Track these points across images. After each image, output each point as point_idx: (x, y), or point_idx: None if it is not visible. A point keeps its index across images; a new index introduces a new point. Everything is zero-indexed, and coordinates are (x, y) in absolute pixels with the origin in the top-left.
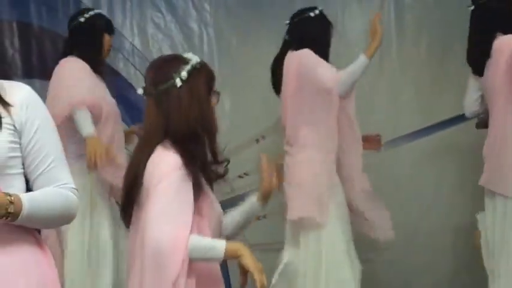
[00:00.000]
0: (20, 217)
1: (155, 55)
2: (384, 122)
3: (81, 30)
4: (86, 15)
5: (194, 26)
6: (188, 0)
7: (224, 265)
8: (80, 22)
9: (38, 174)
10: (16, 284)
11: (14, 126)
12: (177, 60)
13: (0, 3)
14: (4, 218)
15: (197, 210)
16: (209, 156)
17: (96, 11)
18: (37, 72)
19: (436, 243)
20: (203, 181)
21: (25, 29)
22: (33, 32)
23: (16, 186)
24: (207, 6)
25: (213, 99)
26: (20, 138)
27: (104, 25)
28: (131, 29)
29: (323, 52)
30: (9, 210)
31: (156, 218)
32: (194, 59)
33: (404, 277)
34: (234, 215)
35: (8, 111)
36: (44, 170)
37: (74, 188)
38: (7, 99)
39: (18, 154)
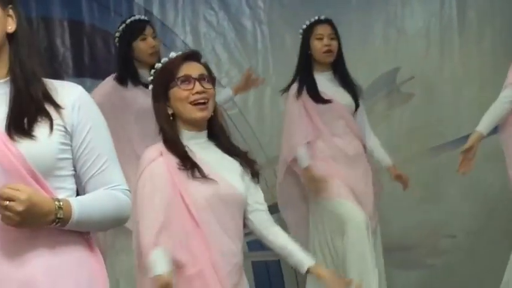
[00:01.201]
0: (69, 223)
1: (207, 53)
2: (447, 122)
3: (116, 49)
4: (116, 34)
5: (248, 23)
6: None
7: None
8: (115, 40)
9: (90, 176)
10: (66, 285)
11: (65, 127)
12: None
13: (51, 2)
14: (53, 223)
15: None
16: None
17: (126, 21)
18: (88, 71)
19: (498, 249)
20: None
21: (77, 28)
22: (84, 31)
23: (66, 188)
24: (260, 3)
25: (181, 88)
26: (71, 140)
27: (129, 34)
28: (183, 27)
29: None
30: (58, 216)
31: None
32: (159, 64)
33: (464, 283)
34: (280, 245)
35: (59, 113)
36: (96, 171)
37: (127, 190)
38: (59, 100)
39: (69, 156)
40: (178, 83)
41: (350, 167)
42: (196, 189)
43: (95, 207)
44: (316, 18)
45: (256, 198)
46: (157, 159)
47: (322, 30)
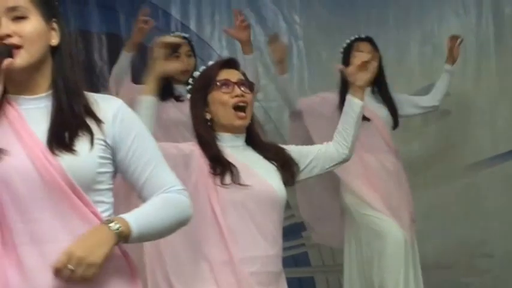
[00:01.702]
0: (132, 235)
1: (244, 67)
2: (483, 139)
3: None
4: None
5: (284, 38)
6: (278, 12)
7: None
8: None
9: (142, 182)
10: None
11: (105, 141)
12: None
13: (89, 15)
14: (117, 239)
15: None
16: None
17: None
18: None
19: None
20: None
21: (114, 41)
22: (122, 44)
23: (105, 202)
24: (297, 19)
25: (221, 91)
26: (112, 153)
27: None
28: (220, 41)
29: None
30: (113, 228)
31: None
32: (197, 72)
33: None
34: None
35: (100, 127)
36: (148, 176)
37: (182, 189)
38: (99, 113)
39: (108, 170)
40: (218, 86)
41: (387, 182)
42: (224, 195)
43: (151, 215)
44: (357, 36)
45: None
46: (194, 150)
47: (363, 48)
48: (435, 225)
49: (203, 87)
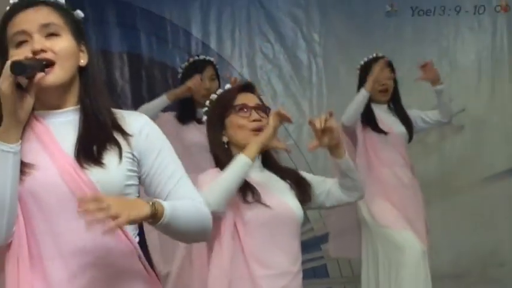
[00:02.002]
0: (162, 220)
1: (263, 85)
2: (497, 153)
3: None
4: (179, 70)
5: (303, 56)
6: (297, 30)
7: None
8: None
9: (167, 194)
10: None
11: (133, 154)
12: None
13: (111, 35)
14: (149, 217)
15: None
16: None
17: (189, 60)
18: (146, 102)
19: None
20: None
21: (135, 60)
22: (143, 63)
23: None
24: (316, 37)
25: (238, 115)
26: (138, 166)
27: (188, 73)
28: (240, 59)
29: None
30: (156, 205)
31: None
32: (214, 95)
33: None
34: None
35: (127, 140)
36: (172, 189)
37: (203, 202)
38: (126, 127)
39: (135, 182)
40: (236, 110)
41: (404, 195)
42: (247, 213)
43: (183, 211)
44: (374, 55)
45: (321, 186)
46: (218, 174)
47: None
48: (450, 236)
49: (221, 111)
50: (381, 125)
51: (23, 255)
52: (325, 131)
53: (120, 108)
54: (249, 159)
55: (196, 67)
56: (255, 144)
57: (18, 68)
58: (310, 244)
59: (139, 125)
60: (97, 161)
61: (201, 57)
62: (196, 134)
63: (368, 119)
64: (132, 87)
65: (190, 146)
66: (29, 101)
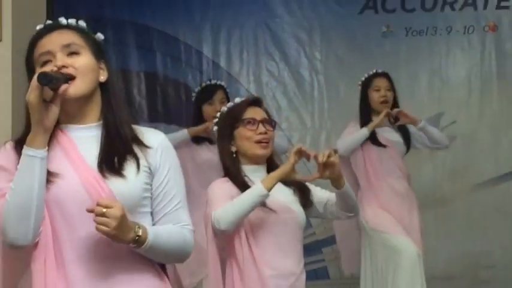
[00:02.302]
0: (144, 245)
1: (269, 100)
2: (486, 162)
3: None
4: (193, 94)
5: (305, 73)
6: (300, 49)
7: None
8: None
9: (164, 214)
10: None
11: (150, 168)
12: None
13: (129, 56)
14: (131, 243)
15: None
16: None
17: (202, 84)
18: (161, 117)
19: None
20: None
21: (151, 78)
22: (158, 81)
23: (145, 223)
24: (317, 55)
25: (246, 128)
26: (151, 179)
27: (200, 97)
28: (247, 76)
29: None
30: (138, 234)
31: None
32: (225, 108)
33: None
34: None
35: (145, 155)
36: (170, 210)
37: (193, 230)
38: (145, 142)
39: (150, 195)
40: (244, 124)
41: (399, 204)
42: (253, 216)
43: (165, 238)
44: (374, 71)
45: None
46: (226, 184)
47: (380, 82)
48: (443, 240)
49: (230, 123)
50: (380, 139)
51: (49, 256)
52: (327, 165)
53: (138, 122)
54: (267, 191)
55: (208, 91)
56: (274, 177)
57: (45, 78)
58: (312, 247)
59: (157, 142)
60: (117, 172)
61: (213, 81)
62: (208, 153)
63: (370, 134)
64: (148, 102)
65: (202, 164)
66: (55, 110)
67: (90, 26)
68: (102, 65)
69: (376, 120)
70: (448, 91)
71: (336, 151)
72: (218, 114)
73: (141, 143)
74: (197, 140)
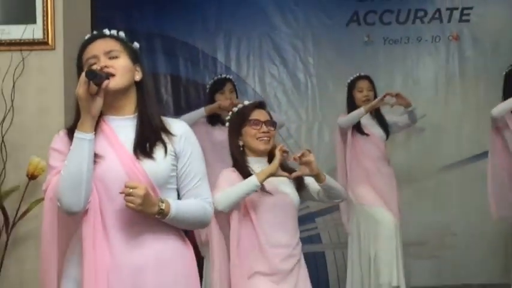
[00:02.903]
0: (168, 216)
1: (271, 98)
2: (451, 148)
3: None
4: (207, 86)
5: (301, 75)
6: (296, 55)
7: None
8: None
9: (187, 190)
10: (167, 270)
11: (175, 152)
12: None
13: (157, 61)
14: (157, 214)
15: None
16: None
17: (214, 78)
18: (184, 111)
19: (488, 244)
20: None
21: (175, 80)
22: (181, 82)
23: (171, 197)
24: (311, 60)
25: (252, 127)
26: (177, 162)
27: (213, 87)
28: (253, 78)
29: None
30: (161, 207)
31: None
32: (235, 108)
33: (464, 270)
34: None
35: (171, 141)
36: (192, 187)
37: (212, 202)
38: (171, 131)
39: (175, 174)
40: (251, 124)
41: (382, 182)
42: (256, 199)
43: (187, 210)
44: (358, 74)
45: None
46: (233, 174)
47: (362, 84)
48: (415, 212)
49: (239, 122)
50: (364, 129)
51: (97, 220)
52: (304, 163)
53: (165, 115)
54: (259, 183)
55: (219, 83)
56: (266, 173)
57: (91, 74)
58: (307, 218)
59: (181, 131)
60: (149, 155)
61: (223, 75)
62: (222, 133)
63: (356, 125)
64: (173, 99)
65: (216, 143)
66: (99, 101)
67: (128, 36)
68: (138, 68)
69: (374, 101)
70: (418, 90)
71: (309, 151)
72: (230, 114)
73: (168, 132)
74: (212, 121)
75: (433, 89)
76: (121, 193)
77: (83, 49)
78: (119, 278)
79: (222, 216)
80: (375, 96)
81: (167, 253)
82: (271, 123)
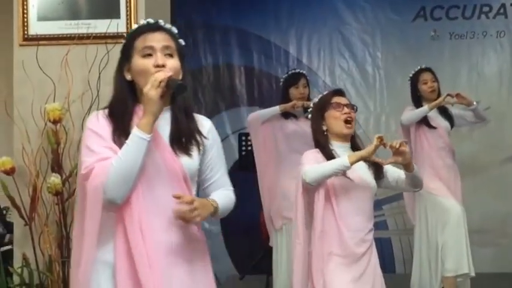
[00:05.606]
0: (216, 213)
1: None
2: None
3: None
4: (281, 80)
5: (369, 68)
6: (365, 49)
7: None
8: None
9: (213, 181)
10: (192, 248)
11: (204, 147)
12: None
13: (233, 53)
14: (213, 213)
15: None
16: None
17: (288, 72)
18: (257, 102)
19: None
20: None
21: (249, 71)
22: (254, 73)
23: (195, 189)
24: (379, 54)
25: (335, 110)
26: (203, 156)
27: (287, 82)
28: (324, 71)
29: None
30: (214, 206)
31: None
32: (315, 99)
33: None
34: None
35: (201, 136)
36: (217, 178)
37: (233, 190)
38: (200, 127)
39: (200, 167)
40: (333, 106)
41: (448, 173)
42: (335, 182)
43: (223, 202)
44: (420, 67)
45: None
46: (316, 154)
47: (426, 76)
48: (478, 201)
49: (321, 108)
50: (431, 122)
51: (142, 210)
52: (398, 152)
53: (239, 105)
54: (349, 164)
55: (293, 78)
56: (358, 155)
57: (179, 87)
58: (375, 205)
59: (208, 128)
60: (185, 149)
61: (296, 70)
62: (294, 125)
63: (423, 119)
64: (247, 90)
65: (289, 134)
66: (162, 104)
67: (202, 30)
68: (182, 67)
69: (437, 101)
70: (483, 84)
71: (406, 142)
72: (311, 104)
73: (198, 130)
74: (285, 115)
75: (497, 82)
76: (176, 212)
77: (138, 35)
78: (157, 258)
79: (310, 194)
80: (438, 88)
81: (193, 233)
82: (352, 106)
